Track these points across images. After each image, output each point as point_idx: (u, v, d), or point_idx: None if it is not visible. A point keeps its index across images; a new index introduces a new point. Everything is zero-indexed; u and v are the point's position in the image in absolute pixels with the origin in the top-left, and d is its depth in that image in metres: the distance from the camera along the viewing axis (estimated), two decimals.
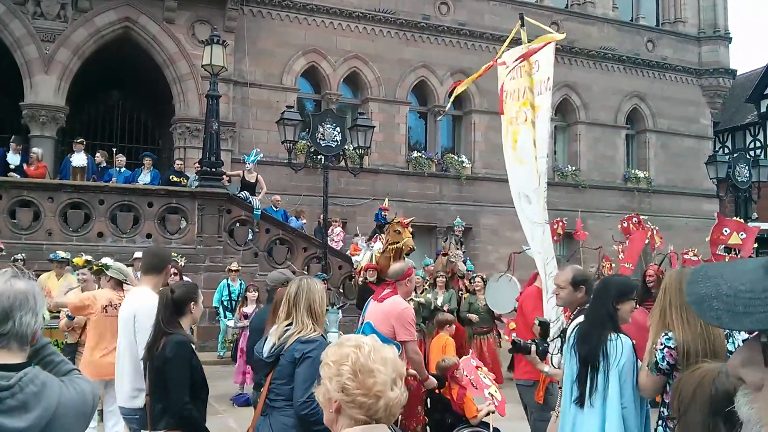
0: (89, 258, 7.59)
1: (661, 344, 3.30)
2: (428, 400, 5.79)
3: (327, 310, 10.63)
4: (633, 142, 23.91)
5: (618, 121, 23.01)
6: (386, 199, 15.59)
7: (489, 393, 5.57)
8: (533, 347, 4.33)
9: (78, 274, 7.31)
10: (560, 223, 15.47)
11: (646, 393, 3.51)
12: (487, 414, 5.54)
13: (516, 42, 6.38)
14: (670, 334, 3.29)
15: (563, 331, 4.44)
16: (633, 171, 23.10)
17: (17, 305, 1.85)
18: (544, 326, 4.60)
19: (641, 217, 14.41)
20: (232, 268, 12.17)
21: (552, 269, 5.50)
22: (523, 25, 5.94)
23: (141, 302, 4.54)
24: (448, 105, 7.15)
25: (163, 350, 3.73)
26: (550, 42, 5.52)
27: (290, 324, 3.58)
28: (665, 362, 3.27)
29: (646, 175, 23.13)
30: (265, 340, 3.73)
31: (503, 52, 6.14)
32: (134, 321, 4.58)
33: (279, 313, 3.70)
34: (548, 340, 4.52)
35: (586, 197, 21.87)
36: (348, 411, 1.85)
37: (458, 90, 6.79)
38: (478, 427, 5.66)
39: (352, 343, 1.95)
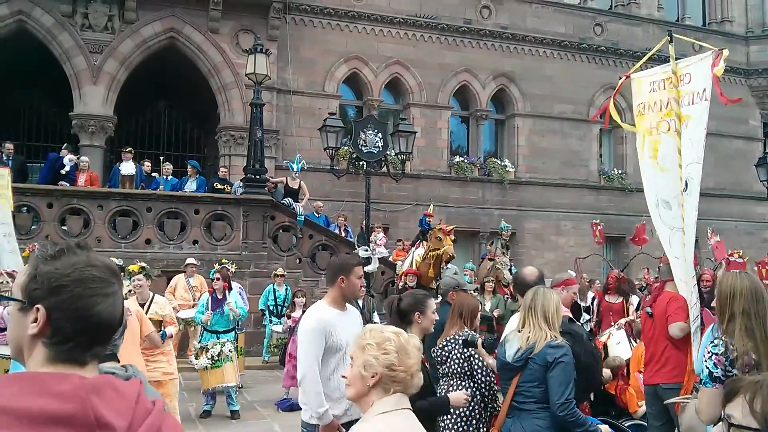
0: (144, 264, 7.71)
1: (708, 352, 3.16)
2: (593, 395, 5.95)
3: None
4: None
5: None
6: (431, 205, 15.56)
7: None
8: (479, 341, 4.42)
9: (133, 281, 7.43)
10: (598, 226, 15.30)
11: (707, 414, 3.12)
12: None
13: (652, 59, 6.60)
14: (715, 341, 3.17)
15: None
16: None
17: None
18: (488, 321, 4.69)
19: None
20: (278, 273, 12.28)
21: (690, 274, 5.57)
22: (671, 41, 6.09)
23: (305, 315, 4.38)
24: (605, 124, 7.29)
25: None
26: (718, 57, 5.59)
27: (528, 331, 3.76)
28: (719, 369, 3.10)
29: None
30: (503, 345, 3.93)
31: (639, 66, 6.46)
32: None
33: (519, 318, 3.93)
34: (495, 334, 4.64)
35: (633, 201, 21.46)
36: (387, 385, 2.28)
37: (611, 110, 7.10)
38: (640, 420, 6.01)
39: (390, 329, 2.43)
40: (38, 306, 1.37)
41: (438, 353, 4.65)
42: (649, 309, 6.33)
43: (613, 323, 8.35)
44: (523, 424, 3.67)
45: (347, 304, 4.24)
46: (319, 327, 3.94)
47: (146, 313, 7.24)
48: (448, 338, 4.63)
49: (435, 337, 4.73)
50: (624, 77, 6.36)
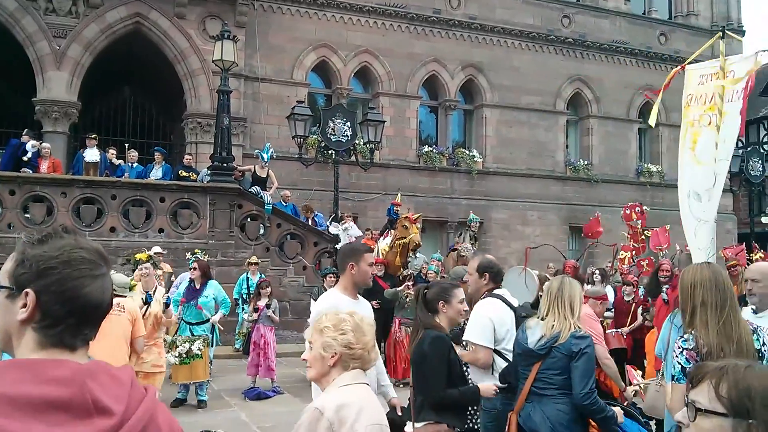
0: (151, 253, 7.58)
1: (679, 347, 3.13)
2: None
3: None
4: (645, 137, 23.78)
5: (630, 115, 22.90)
6: (399, 195, 15.60)
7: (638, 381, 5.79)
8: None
9: (141, 269, 7.33)
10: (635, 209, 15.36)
11: (680, 410, 3.16)
12: (635, 395, 5.67)
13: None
14: (686, 336, 3.14)
15: None
16: (646, 165, 22.99)
17: None
18: None
19: (644, 208, 14.59)
20: (252, 261, 12.23)
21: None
22: (723, 37, 6.21)
23: (317, 302, 4.40)
24: (652, 120, 7.38)
25: (421, 345, 3.81)
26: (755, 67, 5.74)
27: (553, 319, 3.85)
28: (691, 363, 3.04)
29: (659, 170, 23.00)
30: (523, 332, 3.98)
31: (692, 60, 6.56)
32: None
33: (540, 307, 4.03)
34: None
35: (598, 191, 21.80)
36: (346, 362, 2.49)
37: (655, 106, 7.24)
38: (628, 407, 6.14)
39: (343, 312, 2.64)
40: (27, 290, 1.36)
41: None
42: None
43: None
44: (543, 409, 3.76)
45: (359, 296, 4.21)
46: None
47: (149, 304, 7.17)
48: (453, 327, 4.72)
49: None
50: (679, 68, 6.55)
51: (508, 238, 20.36)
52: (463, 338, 4.52)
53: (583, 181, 21.83)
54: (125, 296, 5.73)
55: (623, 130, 22.84)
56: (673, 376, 3.17)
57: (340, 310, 2.68)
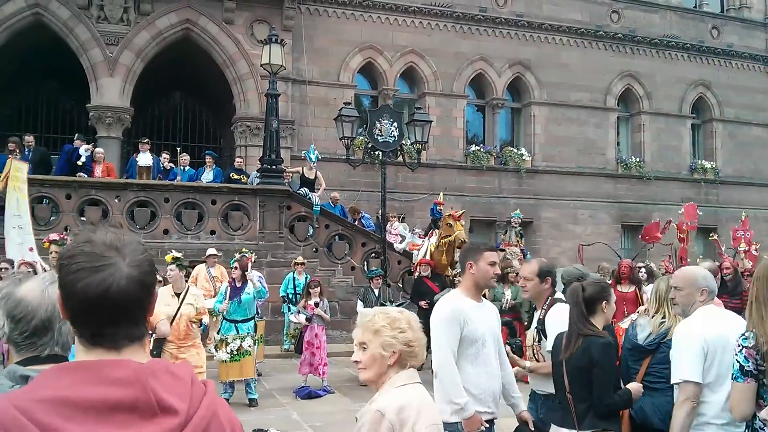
0: (178, 255, 7.72)
1: (739, 345, 3.02)
2: None
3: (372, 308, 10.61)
4: (699, 132, 23.18)
5: (683, 111, 22.34)
6: (441, 194, 15.53)
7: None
8: (507, 348, 4.36)
9: (166, 271, 7.49)
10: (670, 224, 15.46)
11: (740, 410, 3.02)
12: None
13: None
14: (746, 333, 3.03)
15: (540, 321, 4.42)
16: (699, 161, 22.38)
17: (56, 316, 1.79)
18: (509, 324, 4.72)
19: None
20: (298, 261, 12.34)
21: None
22: None
23: (438, 304, 4.10)
24: None
25: (588, 352, 3.69)
26: None
27: (663, 317, 4.08)
28: (749, 362, 2.95)
29: (713, 166, 22.38)
30: (633, 329, 4.20)
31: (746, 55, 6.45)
32: None
33: (647, 306, 4.30)
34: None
35: (650, 189, 21.34)
36: (405, 360, 2.47)
37: None
38: None
39: (393, 310, 2.61)
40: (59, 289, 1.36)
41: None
42: None
43: (626, 312, 8.26)
44: (654, 402, 3.93)
45: (483, 299, 4.07)
46: (453, 316, 3.79)
47: (181, 304, 7.32)
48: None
49: None
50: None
51: (557, 237, 20.08)
52: (547, 348, 4.42)
53: (634, 179, 21.39)
54: None
55: (676, 125, 22.30)
56: (732, 375, 3.05)
57: (382, 309, 2.62)
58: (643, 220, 19.78)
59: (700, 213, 16.14)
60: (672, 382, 3.53)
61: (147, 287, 1.38)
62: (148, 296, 1.39)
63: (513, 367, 4.29)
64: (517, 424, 4.06)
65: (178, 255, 7.68)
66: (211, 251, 12.03)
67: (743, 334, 3.05)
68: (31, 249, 9.92)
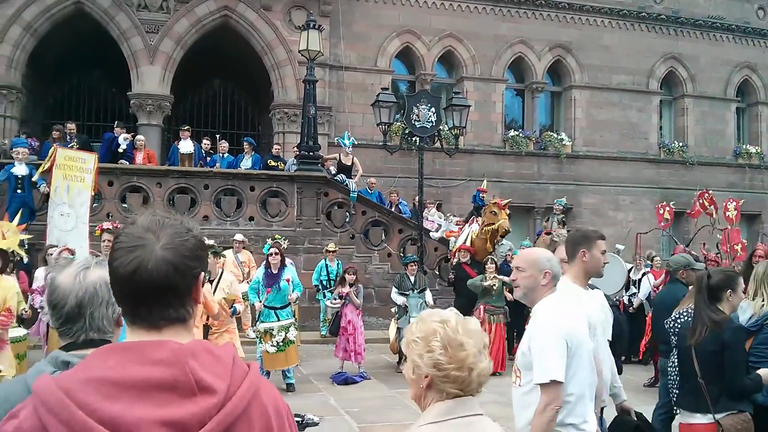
0: (212, 243, 7.81)
1: None
2: None
3: (407, 294, 10.49)
4: (744, 116, 22.55)
5: (728, 94, 21.74)
6: (485, 181, 15.39)
7: None
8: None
9: None
10: (666, 208, 15.13)
11: None
12: None
13: None
14: None
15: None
16: (744, 146, 21.78)
17: (87, 301, 1.83)
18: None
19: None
20: (329, 249, 12.42)
21: None
22: None
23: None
24: None
25: (720, 335, 3.89)
26: None
27: (762, 300, 4.27)
28: None
29: (758, 151, 21.76)
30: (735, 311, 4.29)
31: None
32: None
33: (747, 290, 4.37)
34: None
35: (694, 174, 20.84)
36: (440, 386, 1.91)
37: None
38: None
39: (436, 318, 1.98)
40: None
41: (672, 325, 4.80)
42: None
43: None
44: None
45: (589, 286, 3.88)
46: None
47: (215, 290, 7.43)
48: (681, 311, 4.78)
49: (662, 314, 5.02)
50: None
51: (598, 223, 19.72)
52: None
53: (678, 164, 20.91)
54: None
55: (720, 109, 21.70)
56: None
57: (435, 313, 2.01)
58: (685, 206, 19.30)
59: (742, 203, 15.90)
60: None
61: (181, 270, 1.39)
62: (183, 279, 1.40)
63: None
64: (616, 414, 3.98)
65: (212, 242, 7.76)
66: (239, 236, 12.25)
67: None
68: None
